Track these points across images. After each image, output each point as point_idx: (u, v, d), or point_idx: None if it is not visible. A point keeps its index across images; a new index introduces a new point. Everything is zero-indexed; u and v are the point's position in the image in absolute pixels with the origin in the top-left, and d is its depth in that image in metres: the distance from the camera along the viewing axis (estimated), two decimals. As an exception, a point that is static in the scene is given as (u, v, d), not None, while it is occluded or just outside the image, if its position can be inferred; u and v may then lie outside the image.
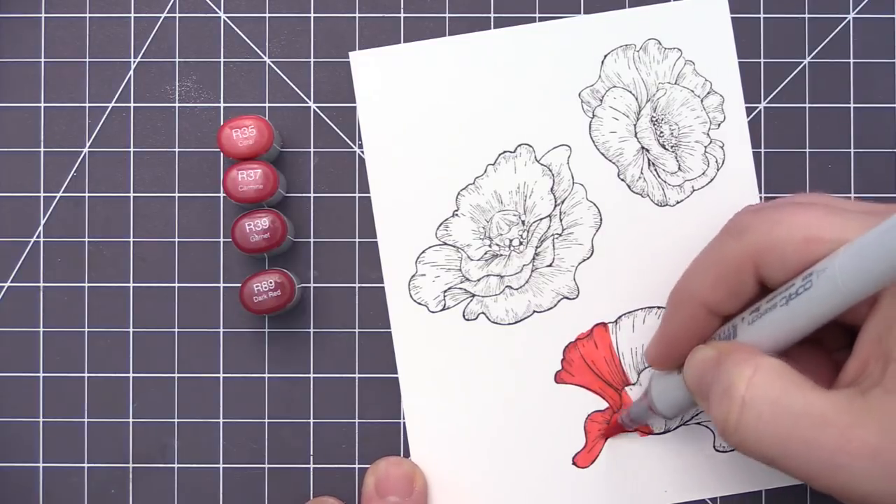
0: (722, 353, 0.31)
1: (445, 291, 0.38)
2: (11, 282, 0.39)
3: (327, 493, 0.38)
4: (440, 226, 0.39)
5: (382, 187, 0.39)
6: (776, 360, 0.30)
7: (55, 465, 0.38)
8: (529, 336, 0.38)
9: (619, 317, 0.38)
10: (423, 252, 0.39)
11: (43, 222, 0.39)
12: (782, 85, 0.39)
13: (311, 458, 0.38)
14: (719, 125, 0.39)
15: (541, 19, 0.39)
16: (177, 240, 0.39)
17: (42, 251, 0.39)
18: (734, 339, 0.32)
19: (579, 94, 0.39)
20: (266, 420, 0.38)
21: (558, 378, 0.38)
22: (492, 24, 0.39)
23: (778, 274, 0.31)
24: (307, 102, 0.39)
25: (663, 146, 0.39)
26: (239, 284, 0.38)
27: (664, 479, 0.38)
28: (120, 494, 0.38)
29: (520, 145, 0.39)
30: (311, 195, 0.39)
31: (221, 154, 0.38)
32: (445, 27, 0.39)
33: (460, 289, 0.38)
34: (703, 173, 0.39)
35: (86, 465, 0.38)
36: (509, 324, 0.38)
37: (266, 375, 0.38)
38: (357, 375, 0.38)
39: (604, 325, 0.38)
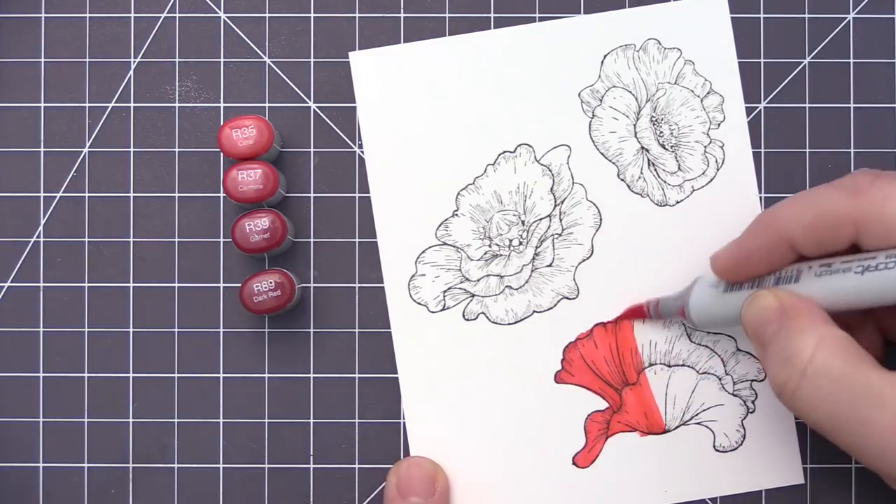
0: (785, 307, 0.32)
1: (445, 291, 0.38)
2: (11, 282, 0.39)
3: (327, 493, 0.38)
4: (440, 226, 0.39)
5: (382, 187, 0.39)
6: (840, 333, 0.31)
7: (55, 465, 0.38)
8: (529, 336, 0.38)
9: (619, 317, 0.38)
10: (423, 252, 0.39)
11: (43, 222, 0.39)
12: (782, 85, 0.39)
13: (311, 458, 0.38)
14: (719, 125, 0.39)
15: (541, 19, 0.39)
16: (177, 240, 0.39)
17: (42, 251, 0.39)
18: (795, 285, 0.32)
19: (579, 94, 0.39)
20: (266, 420, 0.38)
21: (558, 378, 0.38)
22: (492, 24, 0.39)
23: (876, 243, 0.31)
24: (307, 102, 0.39)
25: (663, 146, 0.39)
26: (239, 284, 0.38)
27: (664, 479, 0.38)
28: (120, 494, 0.38)
29: (520, 145, 0.39)
30: (311, 195, 0.39)
31: (221, 154, 0.38)
32: (445, 27, 0.39)
33: (460, 289, 0.38)
34: (702, 173, 0.39)
35: (86, 465, 0.38)
36: (509, 324, 0.38)
37: (266, 375, 0.39)
38: (357, 375, 0.38)
39: (603, 325, 0.38)
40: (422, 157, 0.39)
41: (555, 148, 0.39)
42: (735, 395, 0.38)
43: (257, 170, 0.37)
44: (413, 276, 0.39)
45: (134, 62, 0.39)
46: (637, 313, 0.38)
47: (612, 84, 0.39)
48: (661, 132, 0.39)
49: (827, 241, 0.32)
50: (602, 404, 0.38)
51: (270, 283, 0.37)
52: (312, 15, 0.39)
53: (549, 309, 0.38)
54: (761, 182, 0.39)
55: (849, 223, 0.31)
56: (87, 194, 0.39)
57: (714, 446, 0.38)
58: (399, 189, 0.39)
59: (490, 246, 0.39)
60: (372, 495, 0.38)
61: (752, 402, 0.38)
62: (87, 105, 0.39)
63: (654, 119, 0.39)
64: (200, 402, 0.38)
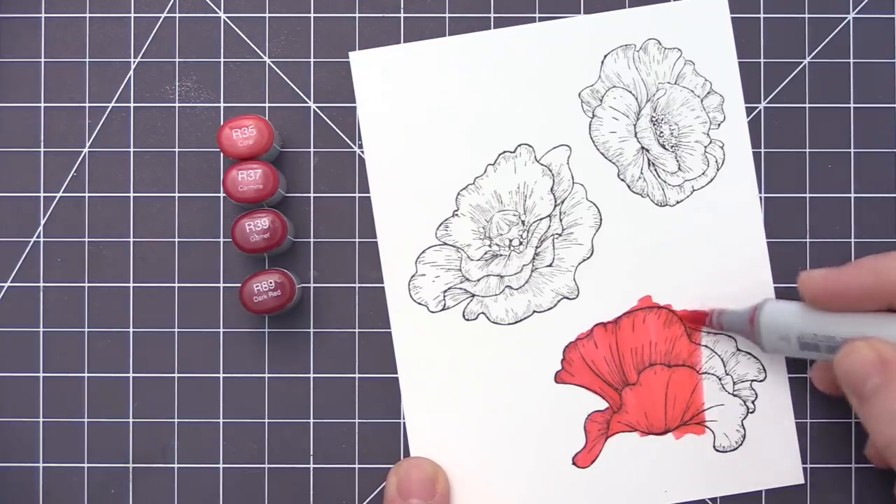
0: (885, 360, 0.32)
1: (445, 291, 0.38)
2: (11, 282, 0.39)
3: (327, 493, 0.38)
4: (440, 226, 0.39)
5: (382, 187, 0.39)
6: None
7: (55, 465, 0.38)
8: (529, 336, 0.38)
9: (619, 317, 0.38)
10: (423, 252, 0.39)
11: (43, 222, 0.39)
12: (782, 85, 0.39)
13: (311, 458, 0.38)
14: (719, 125, 0.39)
15: (541, 19, 0.39)
16: (177, 240, 0.39)
17: (42, 251, 0.39)
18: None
19: (579, 94, 0.39)
20: (266, 420, 0.38)
21: (558, 378, 0.38)
22: (492, 24, 0.39)
23: None
24: (307, 102, 0.39)
25: (663, 146, 0.39)
26: (239, 284, 0.38)
27: (664, 479, 0.38)
28: (120, 494, 0.38)
29: (520, 145, 0.39)
30: (311, 195, 0.39)
31: (221, 154, 0.38)
32: (445, 27, 0.39)
33: (460, 289, 0.38)
34: (703, 173, 0.39)
35: (86, 465, 0.38)
36: (509, 324, 0.38)
37: (266, 375, 0.38)
38: (357, 375, 0.38)
39: (603, 325, 0.38)
40: (422, 157, 0.39)
41: (555, 148, 0.39)
42: (735, 395, 0.38)
43: (257, 170, 0.37)
44: (413, 276, 0.39)
45: (134, 62, 0.39)
46: (697, 319, 0.38)
47: (613, 84, 0.39)
48: (662, 132, 0.39)
49: None
50: (602, 404, 0.38)
51: (270, 283, 0.37)
52: (312, 15, 0.39)
53: (549, 309, 0.38)
54: (761, 182, 0.39)
55: None
56: (87, 194, 0.39)
57: (714, 446, 0.38)
58: (399, 189, 0.39)
59: (490, 246, 0.39)
60: (372, 495, 0.38)
61: (752, 402, 0.38)
62: (87, 105, 0.39)
63: (654, 119, 0.39)
64: (200, 402, 0.38)
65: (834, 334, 0.34)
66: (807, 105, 0.39)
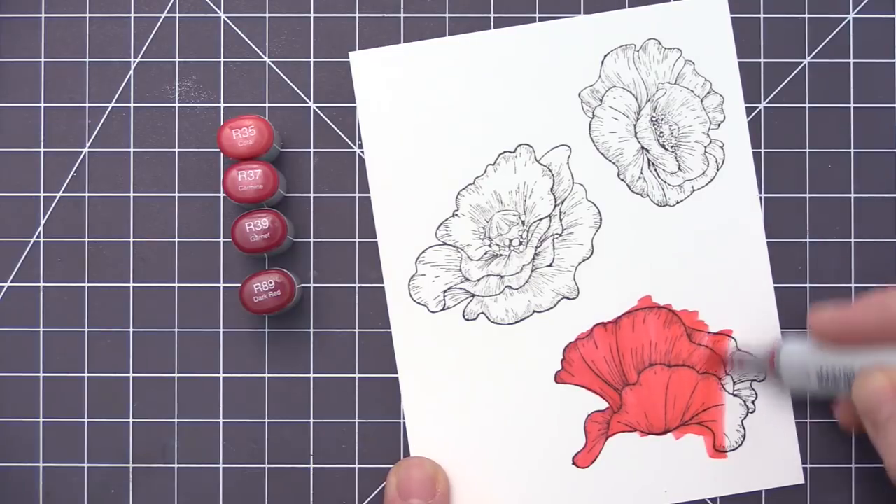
0: None
1: (445, 291, 0.38)
2: (11, 282, 0.39)
3: (327, 493, 0.38)
4: (440, 226, 0.39)
5: (382, 187, 0.39)
6: None
7: (55, 465, 0.38)
8: (529, 336, 0.38)
9: (619, 317, 0.38)
10: (423, 252, 0.39)
11: (43, 222, 0.39)
12: (782, 85, 0.39)
13: (311, 458, 0.38)
14: (719, 125, 0.39)
15: (541, 19, 0.39)
16: (177, 240, 0.39)
17: (42, 251, 0.39)
18: None
19: (579, 94, 0.39)
20: (266, 420, 0.38)
21: (558, 378, 0.38)
22: (492, 24, 0.39)
23: None
24: (307, 102, 0.39)
25: (663, 146, 0.39)
26: (239, 284, 0.38)
27: (664, 479, 0.38)
28: (120, 494, 0.38)
29: (520, 145, 0.39)
30: (311, 195, 0.39)
31: (221, 154, 0.38)
32: (445, 27, 0.39)
33: (460, 289, 0.38)
34: (703, 173, 0.39)
35: (86, 465, 0.38)
36: (509, 324, 0.38)
37: (266, 375, 0.38)
38: (357, 375, 0.38)
39: (603, 325, 0.38)
40: (422, 157, 0.39)
41: (555, 148, 0.39)
42: (735, 395, 0.38)
43: (257, 170, 0.37)
44: (413, 276, 0.39)
45: (134, 62, 0.39)
46: (717, 365, 0.38)
47: (613, 84, 0.39)
48: (662, 132, 0.39)
49: None
50: (602, 404, 0.38)
51: (270, 283, 0.37)
52: (312, 15, 0.39)
53: (549, 309, 0.38)
54: (761, 182, 0.39)
55: None
56: (87, 194, 0.39)
57: (714, 446, 0.38)
58: (399, 189, 0.39)
59: (490, 246, 0.39)
60: (372, 495, 0.38)
61: (752, 402, 0.38)
62: (87, 105, 0.39)
63: (654, 119, 0.39)
64: (200, 402, 0.38)
65: (852, 366, 0.34)
66: (807, 105, 0.39)
